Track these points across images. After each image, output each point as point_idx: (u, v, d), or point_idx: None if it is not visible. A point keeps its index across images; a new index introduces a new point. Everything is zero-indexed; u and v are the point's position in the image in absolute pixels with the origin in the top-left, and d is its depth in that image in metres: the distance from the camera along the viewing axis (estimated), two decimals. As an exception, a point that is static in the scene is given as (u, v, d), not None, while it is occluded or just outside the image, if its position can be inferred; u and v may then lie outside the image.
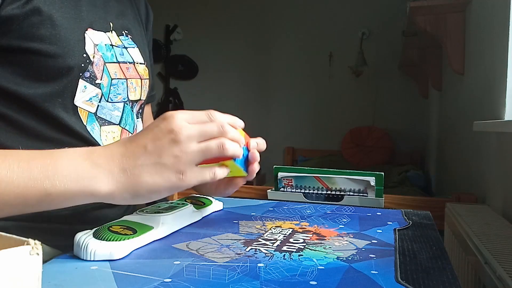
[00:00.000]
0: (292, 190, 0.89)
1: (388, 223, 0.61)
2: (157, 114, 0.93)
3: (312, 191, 0.88)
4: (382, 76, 3.11)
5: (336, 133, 3.19)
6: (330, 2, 3.19)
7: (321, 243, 0.51)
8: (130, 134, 0.66)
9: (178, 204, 0.60)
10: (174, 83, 3.52)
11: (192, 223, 0.59)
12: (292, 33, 3.30)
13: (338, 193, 0.87)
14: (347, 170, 0.87)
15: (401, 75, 3.02)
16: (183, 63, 3.50)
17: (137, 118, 0.70)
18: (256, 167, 0.54)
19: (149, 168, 0.45)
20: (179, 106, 3.46)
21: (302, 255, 0.46)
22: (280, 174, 0.89)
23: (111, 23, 0.64)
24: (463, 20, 1.63)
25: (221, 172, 0.49)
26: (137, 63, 0.68)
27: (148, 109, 0.85)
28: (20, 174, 0.42)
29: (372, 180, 0.85)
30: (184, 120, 0.46)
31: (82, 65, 0.57)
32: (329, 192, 0.87)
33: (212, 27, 3.41)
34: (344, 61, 3.16)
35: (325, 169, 0.88)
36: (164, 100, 3.48)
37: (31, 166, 0.43)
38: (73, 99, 0.57)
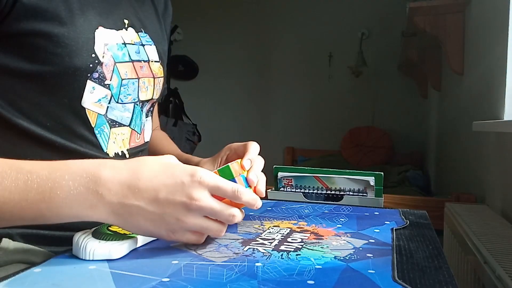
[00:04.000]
0: (292, 190, 0.89)
1: (386, 222, 0.62)
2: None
3: (312, 191, 0.88)
4: (382, 76, 3.11)
5: (336, 133, 3.18)
6: (330, 2, 3.19)
7: (318, 243, 0.51)
8: (138, 135, 0.65)
9: (177, 204, 0.60)
10: (174, 83, 3.52)
11: (190, 223, 0.59)
12: (292, 33, 3.30)
13: (338, 193, 0.87)
14: (347, 170, 0.87)
15: (400, 75, 3.01)
16: (183, 64, 3.49)
17: (147, 117, 0.69)
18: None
19: (147, 214, 0.44)
20: (179, 106, 3.46)
21: (299, 254, 0.46)
22: (280, 174, 0.89)
23: (126, 20, 0.62)
24: (463, 21, 1.63)
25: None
26: (152, 61, 0.67)
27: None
28: (17, 195, 0.42)
29: (371, 180, 0.85)
30: (207, 191, 0.45)
31: (91, 65, 0.55)
32: (328, 192, 0.87)
33: (212, 27, 3.41)
34: (343, 61, 3.16)
35: (325, 169, 0.88)
36: (165, 100, 3.47)
37: (28, 188, 0.42)
38: (81, 100, 0.55)
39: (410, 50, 2.29)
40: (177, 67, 3.49)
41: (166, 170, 0.44)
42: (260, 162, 0.56)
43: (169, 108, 3.46)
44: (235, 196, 0.46)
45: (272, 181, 0.91)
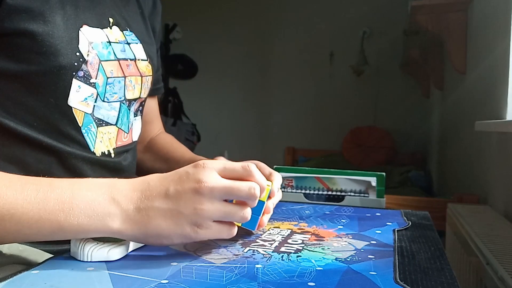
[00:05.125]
0: (293, 191, 0.88)
1: (387, 223, 0.61)
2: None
3: (312, 192, 0.87)
4: (383, 75, 3.10)
5: (337, 133, 3.18)
6: (331, 1, 3.18)
7: (319, 244, 0.50)
8: (125, 134, 0.65)
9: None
10: (173, 82, 3.52)
11: (190, 224, 0.58)
12: (293, 32, 3.29)
13: (339, 193, 0.86)
14: (348, 171, 0.86)
15: (402, 75, 3.01)
16: (182, 63, 3.49)
17: (135, 116, 0.69)
18: (266, 220, 0.54)
19: (165, 212, 0.43)
20: (178, 106, 3.46)
21: (300, 256, 0.46)
22: (281, 174, 0.89)
23: (110, 19, 0.63)
24: (465, 19, 1.63)
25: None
26: (138, 59, 0.66)
27: (153, 102, 0.83)
28: (36, 205, 0.42)
29: (373, 181, 0.84)
30: (215, 171, 0.44)
31: (75, 64, 0.55)
32: (330, 192, 0.87)
33: (212, 26, 3.41)
34: (345, 60, 3.15)
35: (326, 169, 0.88)
36: (164, 99, 3.47)
37: (48, 198, 0.42)
38: (67, 99, 0.55)
39: (412, 49, 2.28)
40: (176, 66, 3.49)
41: (170, 172, 0.46)
42: (279, 196, 0.59)
43: (168, 108, 3.46)
44: (248, 172, 0.45)
45: (273, 181, 0.91)
